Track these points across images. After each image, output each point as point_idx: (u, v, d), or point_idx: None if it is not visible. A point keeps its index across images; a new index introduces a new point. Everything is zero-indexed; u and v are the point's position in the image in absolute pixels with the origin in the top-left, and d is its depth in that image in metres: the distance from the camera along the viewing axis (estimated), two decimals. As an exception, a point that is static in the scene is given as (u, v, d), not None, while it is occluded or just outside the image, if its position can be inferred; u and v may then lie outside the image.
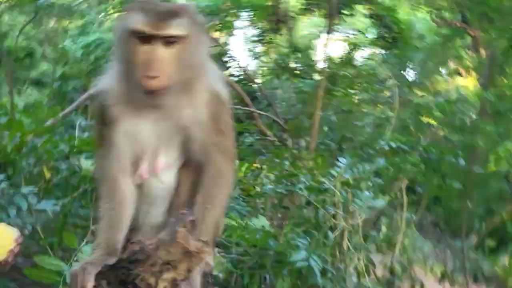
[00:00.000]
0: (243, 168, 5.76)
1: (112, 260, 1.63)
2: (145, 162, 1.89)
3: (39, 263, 2.27)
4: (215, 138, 1.92)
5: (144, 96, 1.76)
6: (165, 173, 1.92)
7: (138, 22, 1.71)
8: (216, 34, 23.13)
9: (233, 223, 3.97)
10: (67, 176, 4.06)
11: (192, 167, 1.95)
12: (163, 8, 1.75)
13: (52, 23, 21.68)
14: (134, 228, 2.00)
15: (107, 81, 1.92)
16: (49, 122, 4.56)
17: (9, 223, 2.90)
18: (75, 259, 2.48)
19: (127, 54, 1.76)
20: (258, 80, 19.02)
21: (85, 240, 2.75)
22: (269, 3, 18.37)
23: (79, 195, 3.75)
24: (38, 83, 18.83)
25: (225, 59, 14.20)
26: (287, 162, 5.16)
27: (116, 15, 19.40)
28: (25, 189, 3.24)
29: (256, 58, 20.10)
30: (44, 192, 3.82)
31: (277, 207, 5.14)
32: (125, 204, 1.90)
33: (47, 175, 3.86)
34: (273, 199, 5.20)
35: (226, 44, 25.88)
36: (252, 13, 20.18)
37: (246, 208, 4.56)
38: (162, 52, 1.70)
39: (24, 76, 17.12)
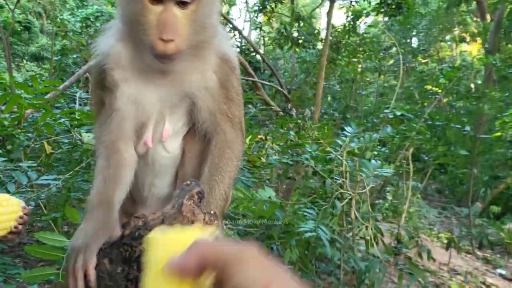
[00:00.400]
0: (247, 140, 5.71)
1: (114, 233, 1.50)
2: (149, 129, 1.78)
3: (40, 239, 2.20)
4: (224, 106, 1.81)
5: (154, 60, 1.61)
6: (170, 142, 1.81)
7: None
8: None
9: (240, 194, 3.91)
10: (69, 150, 3.99)
11: (199, 136, 1.84)
12: None
13: (48, -5, 21.35)
14: (138, 202, 1.93)
15: (108, 41, 1.74)
16: (49, 96, 4.46)
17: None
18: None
19: (134, 14, 1.60)
20: (261, 51, 18.81)
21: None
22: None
23: (82, 169, 3.67)
24: (37, 58, 18.64)
25: (226, 29, 14.00)
26: (292, 132, 5.07)
27: None
28: (24, 164, 3.16)
29: (258, 28, 19.80)
30: (46, 167, 3.75)
31: (282, 178, 5.08)
32: (125, 166, 1.77)
33: (48, 149, 3.78)
34: (278, 170, 5.14)
35: (227, 14, 25.51)
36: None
37: (252, 179, 4.48)
38: (176, 13, 1.56)
39: (22, 51, 16.94)
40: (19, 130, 3.61)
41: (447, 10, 18.34)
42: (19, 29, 15.52)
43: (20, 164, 3.27)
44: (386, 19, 17.09)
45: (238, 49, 11.15)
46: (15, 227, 1.72)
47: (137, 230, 1.25)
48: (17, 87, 4.00)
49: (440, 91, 7.95)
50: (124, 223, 1.59)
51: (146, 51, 1.60)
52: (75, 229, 3.38)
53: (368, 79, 17.24)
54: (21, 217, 1.73)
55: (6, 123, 3.55)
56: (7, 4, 12.96)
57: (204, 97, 1.76)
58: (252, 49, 12.52)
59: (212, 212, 1.34)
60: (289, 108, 7.14)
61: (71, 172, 3.46)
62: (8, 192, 2.89)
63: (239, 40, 13.45)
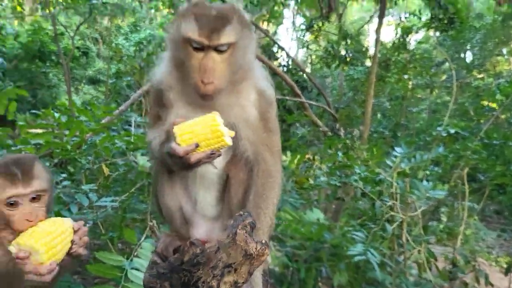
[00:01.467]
0: (295, 160, 5.72)
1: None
2: None
3: (101, 258, 2.33)
4: (264, 136, 1.97)
5: (197, 96, 1.84)
6: (217, 160, 1.92)
7: (192, 31, 1.79)
8: (264, 25, 23.10)
9: (288, 216, 3.93)
10: (125, 172, 4.17)
11: (242, 163, 1.99)
12: (214, 15, 1.80)
13: (105, 21, 22.52)
14: (187, 221, 2.08)
15: (162, 70, 2.01)
16: (105, 120, 4.70)
17: (74, 220, 3.02)
18: (135, 254, 2.53)
19: (181, 57, 1.86)
20: (308, 69, 18.85)
21: (144, 235, 2.81)
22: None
23: (137, 190, 3.83)
24: (94, 81, 19.63)
25: (274, 49, 14.15)
26: (340, 153, 5.04)
27: (166, 11, 19.83)
28: (85, 186, 3.35)
29: (305, 46, 19.89)
30: (103, 188, 3.94)
31: (331, 199, 5.04)
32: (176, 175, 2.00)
33: (106, 171, 3.97)
34: (327, 191, 5.11)
35: (275, 34, 25.81)
36: (300, 1, 19.99)
37: (299, 201, 4.49)
38: (215, 59, 1.79)
39: (80, 75, 17.90)
40: (80, 154, 3.83)
41: (503, 23, 17.67)
42: (77, 55, 16.43)
43: (82, 186, 3.47)
44: (437, 34, 16.70)
45: (285, 68, 11.21)
46: (73, 250, 1.70)
47: (195, 257, 1.35)
48: (79, 113, 4.25)
49: (497, 107, 7.65)
50: (179, 247, 1.72)
51: (193, 89, 1.84)
52: (129, 247, 3.53)
53: (419, 95, 16.82)
54: (73, 241, 1.70)
55: (68, 147, 3.78)
56: (67, 31, 13.84)
57: (245, 129, 1.94)
58: (299, 68, 12.61)
59: (263, 241, 1.42)
60: (337, 128, 7.11)
61: (126, 194, 3.62)
62: (71, 213, 3.07)
63: (286, 59, 13.56)
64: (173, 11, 18.39)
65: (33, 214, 1.65)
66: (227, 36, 1.78)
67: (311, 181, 4.81)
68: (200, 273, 1.43)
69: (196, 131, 1.71)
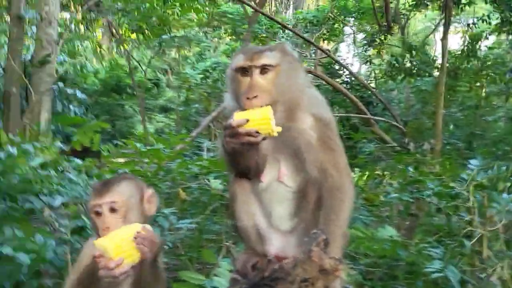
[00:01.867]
0: (364, 177, 5.68)
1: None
2: (267, 169, 2.17)
3: (184, 277, 2.49)
4: (327, 157, 2.12)
5: None
6: (289, 180, 2.16)
7: (238, 60, 2.10)
8: (325, 43, 23.08)
9: (359, 233, 3.91)
10: (199, 195, 4.39)
11: (311, 182, 2.14)
12: (259, 47, 2.18)
13: (173, 53, 23.71)
14: (262, 238, 2.20)
15: (227, 102, 2.30)
16: (179, 147, 4.99)
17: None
18: (214, 273, 2.68)
19: (235, 88, 2.14)
20: (372, 84, 18.55)
21: (221, 255, 2.96)
22: (377, 4, 17.92)
23: (211, 212, 4.02)
24: (165, 109, 20.66)
25: (336, 66, 14.13)
26: (410, 168, 4.94)
27: (228, 39, 20.54)
28: (166, 210, 3.60)
29: (367, 62, 19.67)
30: (180, 211, 4.18)
31: (404, 216, 4.94)
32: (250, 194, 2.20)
33: (183, 195, 4.21)
34: (398, 207, 5.01)
35: (336, 51, 25.74)
36: (360, 17, 19.84)
37: (370, 218, 4.46)
38: (258, 78, 2.05)
39: (153, 104, 18.92)
40: (158, 180, 4.12)
41: None
42: (150, 86, 17.46)
43: (163, 210, 3.73)
44: (510, 37, 15.84)
45: (348, 85, 11.16)
46: (137, 247, 1.92)
47: (274, 273, 1.49)
48: (156, 141, 4.57)
49: None
50: (256, 263, 1.87)
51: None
52: (206, 267, 3.70)
53: (494, 103, 15.93)
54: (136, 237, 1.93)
55: (149, 174, 4.09)
56: (140, 65, 14.80)
57: (307, 152, 2.11)
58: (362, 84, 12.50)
59: (337, 257, 1.52)
60: (406, 142, 6.96)
61: (201, 216, 3.82)
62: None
63: (348, 76, 13.48)
64: (235, 38, 19.02)
65: (108, 222, 1.96)
66: (268, 58, 2.06)
67: (382, 198, 4.76)
68: (279, 287, 1.54)
69: (251, 116, 1.94)
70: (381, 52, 18.63)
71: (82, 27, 17.06)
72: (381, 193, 4.77)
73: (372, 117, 6.87)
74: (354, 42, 23.01)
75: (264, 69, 2.04)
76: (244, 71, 2.06)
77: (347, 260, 4.00)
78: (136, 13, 12.59)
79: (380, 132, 6.46)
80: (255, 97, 1.99)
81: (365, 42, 19.46)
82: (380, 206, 4.94)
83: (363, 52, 21.12)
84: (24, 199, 3.46)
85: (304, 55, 17.42)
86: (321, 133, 2.12)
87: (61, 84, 11.69)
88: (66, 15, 14.24)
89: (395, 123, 7.43)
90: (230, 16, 16.37)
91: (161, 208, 3.63)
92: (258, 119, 1.92)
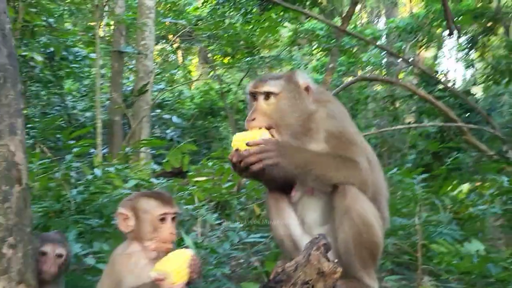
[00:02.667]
0: (457, 190, 5.30)
1: None
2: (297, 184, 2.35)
3: None
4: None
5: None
6: (317, 192, 2.32)
7: (249, 86, 2.41)
8: (422, 50, 22.06)
9: (442, 249, 3.66)
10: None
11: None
12: (268, 75, 2.46)
13: (264, 73, 24.36)
14: (296, 246, 2.32)
15: None
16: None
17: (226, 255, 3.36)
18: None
19: (248, 109, 2.39)
20: (478, 89, 17.25)
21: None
22: (478, 5, 16.78)
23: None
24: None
25: (435, 74, 13.39)
26: (506, 178, 4.52)
27: (319, 54, 20.57)
28: (235, 225, 3.71)
29: (469, 66, 18.38)
30: (256, 226, 4.27)
31: (497, 229, 4.52)
32: (284, 209, 2.36)
33: (258, 211, 4.30)
34: (492, 221, 4.60)
35: (436, 58, 24.45)
36: (459, 20, 18.74)
37: (458, 232, 4.14)
38: (262, 103, 2.30)
39: (242, 124, 19.51)
40: (233, 196, 4.26)
41: None
42: (241, 107, 18.08)
43: (234, 225, 3.85)
44: None
45: (445, 93, 10.48)
46: (191, 274, 2.03)
47: (278, 275, 1.58)
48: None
49: None
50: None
51: None
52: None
53: None
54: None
55: (223, 191, 4.25)
56: (231, 88, 15.45)
57: None
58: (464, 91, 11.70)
59: (335, 260, 1.57)
60: (504, 150, 6.33)
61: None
62: (224, 250, 3.43)
63: (448, 82, 12.68)
64: (323, 54, 19.00)
65: (173, 229, 2.18)
66: (270, 86, 2.28)
67: (472, 210, 4.40)
68: None
69: (247, 136, 2.18)
70: (484, 55, 17.36)
71: (179, 54, 18.31)
72: (471, 205, 4.41)
73: (463, 124, 6.39)
74: (457, 46, 21.67)
75: (267, 95, 2.27)
76: (253, 96, 2.33)
77: (429, 277, 3.77)
78: (224, 39, 13.19)
79: (474, 141, 5.96)
80: (253, 119, 2.23)
81: (466, 45, 18.27)
82: (473, 220, 4.57)
83: (465, 56, 19.84)
84: (109, 216, 3.77)
85: (396, 64, 16.84)
86: (332, 144, 2.24)
87: (158, 110, 12.60)
88: (163, 46, 15.34)
89: (490, 130, 6.81)
90: (317, 32, 16.42)
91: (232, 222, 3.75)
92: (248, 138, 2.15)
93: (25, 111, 10.33)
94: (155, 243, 2.14)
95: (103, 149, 7.75)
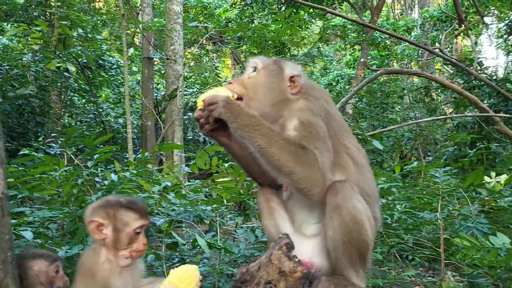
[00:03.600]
0: (492, 181, 5.12)
1: None
2: None
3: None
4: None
5: None
6: None
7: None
8: (459, 39, 21.34)
9: (466, 243, 3.56)
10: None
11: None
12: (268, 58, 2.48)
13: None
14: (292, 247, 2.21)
15: None
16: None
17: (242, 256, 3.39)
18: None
19: None
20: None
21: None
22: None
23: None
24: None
25: (468, 63, 12.90)
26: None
27: (352, 49, 20.28)
28: (254, 224, 3.75)
29: (509, 53, 17.62)
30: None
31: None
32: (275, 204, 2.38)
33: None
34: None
35: (476, 45, 23.59)
36: (498, 5, 18.00)
37: (487, 226, 4.00)
38: (246, 74, 2.42)
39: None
40: (249, 196, 4.29)
41: None
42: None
43: (252, 224, 3.89)
44: None
45: (481, 82, 10.09)
46: None
47: (243, 276, 1.57)
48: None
49: None
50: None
51: None
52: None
53: None
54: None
55: (241, 191, 4.29)
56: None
57: None
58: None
59: (296, 259, 1.54)
60: (538, 138, 6.02)
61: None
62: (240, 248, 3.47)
63: (487, 70, 12.22)
64: (360, 47, 18.75)
65: (145, 239, 2.22)
66: (256, 64, 2.38)
67: (502, 203, 4.24)
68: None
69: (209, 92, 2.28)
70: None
71: (211, 57, 18.54)
72: (498, 197, 4.26)
73: (493, 114, 6.12)
74: (498, 32, 20.80)
75: (254, 69, 2.38)
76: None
77: (453, 272, 3.68)
78: (252, 39, 13.26)
79: (506, 130, 5.69)
80: (230, 83, 2.35)
81: (504, 31, 17.52)
82: (502, 212, 4.41)
83: (504, 42, 19.03)
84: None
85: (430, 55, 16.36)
86: (300, 132, 2.15)
87: (191, 114, 12.82)
88: (194, 49, 15.57)
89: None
90: (347, 27, 16.20)
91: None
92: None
93: (62, 120, 10.82)
94: (129, 253, 2.17)
95: (137, 154, 7.98)
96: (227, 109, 2.08)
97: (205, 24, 13.80)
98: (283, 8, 13.56)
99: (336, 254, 2.05)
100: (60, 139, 5.27)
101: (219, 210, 4.13)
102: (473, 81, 10.29)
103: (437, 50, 7.80)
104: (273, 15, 12.64)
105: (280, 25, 12.46)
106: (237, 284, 1.70)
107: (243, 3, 14.46)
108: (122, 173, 3.74)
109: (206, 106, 2.13)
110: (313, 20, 15.90)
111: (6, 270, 1.98)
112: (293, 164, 2.02)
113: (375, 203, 2.28)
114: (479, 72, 11.37)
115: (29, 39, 8.57)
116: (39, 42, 8.36)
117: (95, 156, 3.83)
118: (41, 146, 6.90)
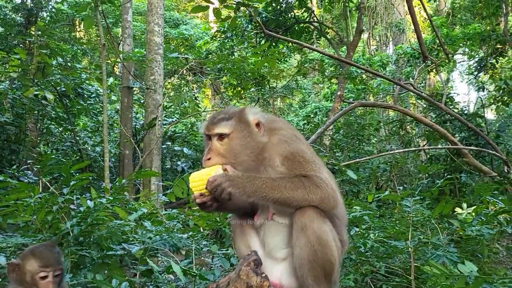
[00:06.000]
0: (464, 212, 5.27)
1: None
2: (260, 210, 2.49)
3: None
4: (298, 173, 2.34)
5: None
6: (278, 218, 2.41)
7: (202, 128, 2.53)
8: (431, 76, 22.07)
9: (435, 270, 3.65)
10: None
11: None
12: (218, 114, 2.49)
13: (278, 102, 24.65)
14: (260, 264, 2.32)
15: None
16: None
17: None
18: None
19: (204, 148, 2.53)
20: (489, 112, 17.14)
21: None
22: (485, 28, 16.85)
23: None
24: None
25: (444, 98, 13.37)
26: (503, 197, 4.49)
27: (329, 82, 20.76)
28: (228, 251, 3.76)
29: (480, 88, 18.32)
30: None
31: (490, 251, 4.46)
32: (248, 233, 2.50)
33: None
34: (495, 241, 4.55)
35: (447, 81, 24.38)
36: (467, 43, 18.76)
37: (455, 254, 4.11)
38: (215, 143, 2.41)
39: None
40: (226, 224, 4.33)
41: None
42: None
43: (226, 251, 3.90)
44: None
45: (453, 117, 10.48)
46: None
47: None
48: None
49: None
50: None
51: None
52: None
53: None
54: None
55: (217, 219, 4.32)
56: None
57: None
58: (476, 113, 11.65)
59: (263, 275, 1.64)
60: (506, 171, 6.26)
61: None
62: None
63: (458, 105, 12.66)
64: (337, 80, 19.22)
65: (54, 284, 2.53)
66: (222, 128, 2.40)
67: (469, 232, 4.36)
68: None
69: (202, 174, 2.33)
70: (494, 77, 17.29)
71: (191, 87, 18.71)
72: (466, 226, 4.39)
73: (462, 147, 6.36)
74: (464, 70, 21.65)
75: (220, 136, 2.40)
76: (207, 136, 2.47)
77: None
78: (231, 71, 13.50)
79: (475, 162, 5.91)
80: (208, 159, 2.38)
81: (474, 68, 18.28)
82: (470, 242, 4.54)
83: (474, 79, 19.78)
84: (109, 247, 3.87)
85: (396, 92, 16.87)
86: (288, 166, 2.34)
87: (169, 143, 12.83)
88: (174, 79, 15.71)
89: (491, 152, 6.75)
90: (324, 61, 16.63)
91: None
92: (204, 177, 2.30)
93: (38, 148, 10.70)
94: None
95: (114, 182, 7.95)
96: (233, 187, 2.22)
97: (186, 56, 14.00)
98: (262, 42, 13.91)
99: (302, 273, 2.17)
100: (36, 166, 5.23)
101: (195, 238, 4.15)
102: (445, 116, 10.66)
103: (409, 85, 8.11)
104: (252, 48, 12.93)
105: (259, 58, 12.76)
106: (207, 298, 1.80)
107: (223, 36, 14.76)
108: (98, 200, 3.74)
109: (211, 190, 2.23)
110: (291, 54, 16.30)
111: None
112: (307, 195, 2.22)
113: (343, 226, 2.40)
114: (449, 107, 11.79)
115: (7, 66, 8.57)
116: (17, 70, 8.37)
117: (71, 183, 3.84)
118: (16, 174, 6.81)
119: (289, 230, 2.30)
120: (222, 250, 3.98)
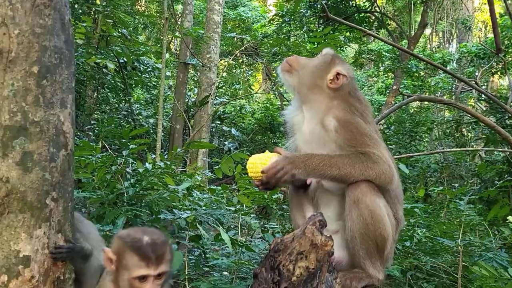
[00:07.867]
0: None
1: None
2: None
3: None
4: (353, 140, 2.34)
5: None
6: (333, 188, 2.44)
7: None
8: (495, 77, 21.08)
9: (484, 272, 3.55)
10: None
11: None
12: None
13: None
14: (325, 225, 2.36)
15: None
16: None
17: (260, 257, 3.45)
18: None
19: None
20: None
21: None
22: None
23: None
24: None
25: (510, 101, 12.76)
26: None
27: (384, 75, 20.25)
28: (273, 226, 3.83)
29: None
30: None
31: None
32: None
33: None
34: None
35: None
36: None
37: (506, 259, 3.97)
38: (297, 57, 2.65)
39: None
40: (273, 201, 4.40)
41: None
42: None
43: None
44: None
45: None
46: None
47: (277, 245, 1.78)
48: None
49: None
50: None
51: None
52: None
53: None
54: None
55: (265, 195, 4.40)
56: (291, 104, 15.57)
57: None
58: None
59: (328, 235, 1.72)
60: None
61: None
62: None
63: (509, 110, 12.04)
64: (393, 74, 18.74)
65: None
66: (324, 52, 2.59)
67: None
68: (280, 258, 1.91)
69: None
70: None
71: (243, 69, 18.84)
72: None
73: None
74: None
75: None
76: None
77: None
78: (287, 56, 13.40)
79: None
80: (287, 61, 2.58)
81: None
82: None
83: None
84: (158, 211, 4.01)
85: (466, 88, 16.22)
86: (344, 136, 2.36)
87: (219, 122, 13.02)
88: (230, 59, 15.86)
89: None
90: (382, 53, 16.23)
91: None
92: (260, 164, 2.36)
93: (94, 115, 11.15)
94: None
95: (164, 154, 8.20)
96: (295, 168, 2.24)
97: (242, 36, 14.06)
98: (321, 28, 13.74)
99: (354, 245, 2.18)
100: (91, 132, 5.46)
101: (241, 212, 4.23)
102: (507, 120, 10.17)
103: (473, 82, 7.78)
104: (310, 33, 12.80)
105: (316, 44, 12.62)
106: (271, 253, 1.91)
107: (281, 20, 14.69)
108: (157, 163, 3.88)
109: (273, 175, 2.25)
110: (349, 44, 16.00)
111: (66, 218, 2.14)
112: (365, 170, 2.23)
113: (398, 204, 2.37)
114: (513, 111, 11.24)
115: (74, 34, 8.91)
116: (83, 37, 8.71)
117: (130, 147, 3.99)
118: (78, 134, 7.15)
119: (342, 202, 2.32)
120: (268, 224, 4.06)
